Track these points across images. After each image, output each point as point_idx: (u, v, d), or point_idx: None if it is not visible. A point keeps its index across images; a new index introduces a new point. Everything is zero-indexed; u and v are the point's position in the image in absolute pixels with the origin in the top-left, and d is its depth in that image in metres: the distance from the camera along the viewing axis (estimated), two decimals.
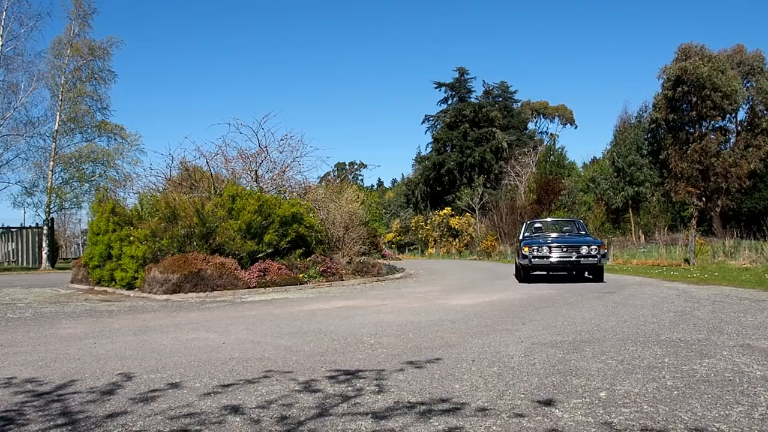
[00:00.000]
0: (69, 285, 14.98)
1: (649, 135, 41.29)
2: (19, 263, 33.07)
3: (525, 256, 12.82)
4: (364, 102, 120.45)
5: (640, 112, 42.82)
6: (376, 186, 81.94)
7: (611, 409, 3.08)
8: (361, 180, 73.65)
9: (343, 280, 13.92)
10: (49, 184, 28.36)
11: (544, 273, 14.50)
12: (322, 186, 19.07)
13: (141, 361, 4.68)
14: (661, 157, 39.80)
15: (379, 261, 19.63)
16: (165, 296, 10.90)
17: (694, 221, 37.36)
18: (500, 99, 55.95)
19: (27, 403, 3.43)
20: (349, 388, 3.64)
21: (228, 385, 3.77)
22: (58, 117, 28.46)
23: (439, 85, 55.15)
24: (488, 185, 46.56)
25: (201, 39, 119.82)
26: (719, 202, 38.34)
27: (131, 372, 4.25)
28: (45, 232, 29.18)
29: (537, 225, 15.20)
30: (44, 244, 29.06)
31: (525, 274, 13.27)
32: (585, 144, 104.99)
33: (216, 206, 13.03)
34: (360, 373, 4.05)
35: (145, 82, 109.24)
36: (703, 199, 38.89)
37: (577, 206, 36.11)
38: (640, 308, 7.62)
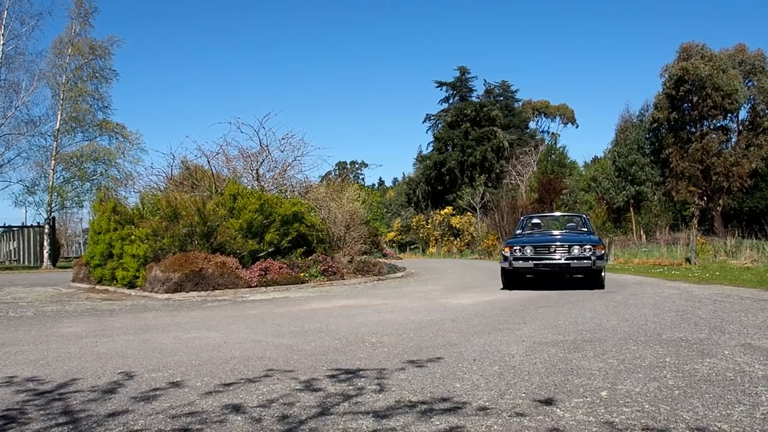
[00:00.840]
0: (70, 284, 14.99)
1: (650, 134, 41.23)
2: (21, 262, 33.11)
3: (505, 258, 10.78)
4: (366, 101, 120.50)
5: (642, 112, 42.77)
6: (377, 185, 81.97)
7: (612, 409, 3.08)
8: (362, 179, 73.71)
9: (344, 279, 13.92)
10: (51, 183, 28.38)
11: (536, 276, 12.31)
12: (323, 185, 19.07)
13: (142, 360, 4.68)
14: (662, 156, 39.73)
15: (381, 260, 19.64)
16: (166, 295, 10.91)
17: (695, 221, 37.34)
18: (501, 98, 55.96)
19: (28, 402, 3.43)
20: (350, 387, 3.64)
21: (229, 384, 3.77)
22: (59, 116, 28.47)
23: (441, 84, 55.16)
24: (489, 184, 46.54)
25: (202, 38, 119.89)
26: (720, 202, 38.29)
27: (132, 371, 4.26)
28: (46, 231, 29.19)
29: (535, 221, 12.89)
30: (46, 243, 29.07)
31: (507, 279, 11.06)
32: (586, 143, 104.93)
33: (217, 205, 13.04)
34: (361, 372, 4.05)
35: (146, 80, 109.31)
36: (705, 198, 38.85)
37: (579, 205, 36.08)
38: (642, 308, 7.61)
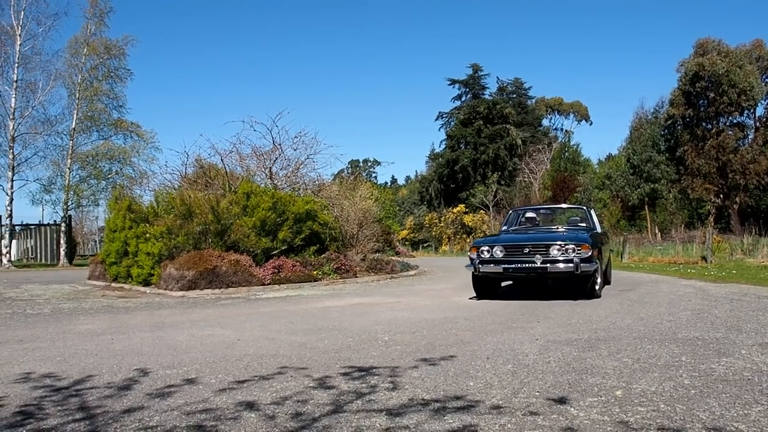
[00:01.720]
0: (86, 281, 15.14)
1: (665, 131, 40.88)
2: (38, 260, 33.50)
3: (471, 262, 8.84)
4: (378, 99, 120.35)
5: (657, 108, 42.41)
6: (389, 183, 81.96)
7: (627, 408, 3.06)
8: (375, 177, 73.78)
9: (357, 277, 13.94)
10: (67, 181, 28.66)
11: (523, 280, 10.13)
12: (335, 183, 19.09)
13: (157, 357, 4.72)
14: (677, 153, 39.37)
15: (393, 258, 19.64)
16: (181, 293, 10.98)
17: (711, 218, 36.98)
18: (514, 96, 55.68)
19: (45, 398, 3.47)
20: (363, 385, 3.64)
21: (243, 382, 3.79)
22: (75, 115, 28.74)
23: (453, 81, 54.99)
24: (502, 182, 46.35)
25: (215, 36, 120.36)
26: (737, 199, 37.87)
27: (148, 368, 4.29)
28: (63, 229, 29.49)
29: (529, 215, 10.68)
30: (62, 241, 29.38)
31: (477, 287, 9.12)
32: (600, 140, 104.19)
33: (231, 203, 13.10)
34: (374, 370, 4.06)
35: (160, 79, 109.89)
36: (721, 196, 38.45)
37: (593, 203, 35.85)
38: (657, 306, 7.55)
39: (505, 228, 10.60)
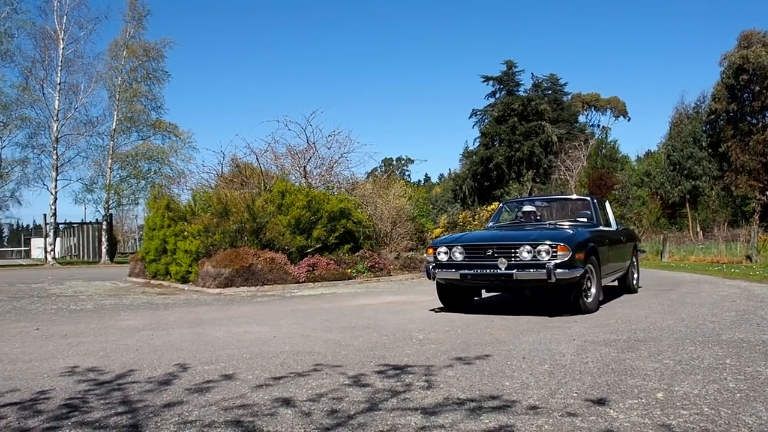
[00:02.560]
0: (127, 278, 15.49)
1: (707, 126, 39.83)
2: (80, 257, 34.42)
3: (427, 266, 7.38)
4: (412, 97, 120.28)
5: (698, 103, 41.39)
6: (423, 181, 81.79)
7: (669, 411, 2.99)
8: (408, 175, 73.59)
9: (390, 275, 13.95)
10: (108, 181, 29.37)
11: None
12: (369, 181, 19.13)
13: (195, 353, 4.80)
14: (720, 149, 38.32)
15: None
16: (217, 290, 11.15)
17: (756, 216, 35.84)
18: (549, 92, 54.96)
19: (90, 392, 3.56)
20: (398, 383, 3.64)
21: (279, 378, 3.83)
22: (115, 116, 29.42)
23: (487, 78, 54.53)
24: (537, 180, 45.83)
25: (249, 36, 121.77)
26: None
27: (186, 363, 4.37)
28: (104, 227, 30.24)
29: (527, 208, 8.61)
30: (103, 239, 30.12)
31: (443, 295, 7.60)
32: (639, 137, 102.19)
33: (266, 202, 13.24)
34: (409, 369, 4.05)
35: (196, 80, 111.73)
36: (767, 193, 37.31)
37: (631, 201, 35.17)
38: (699, 307, 7.37)
39: (491, 224, 9.00)
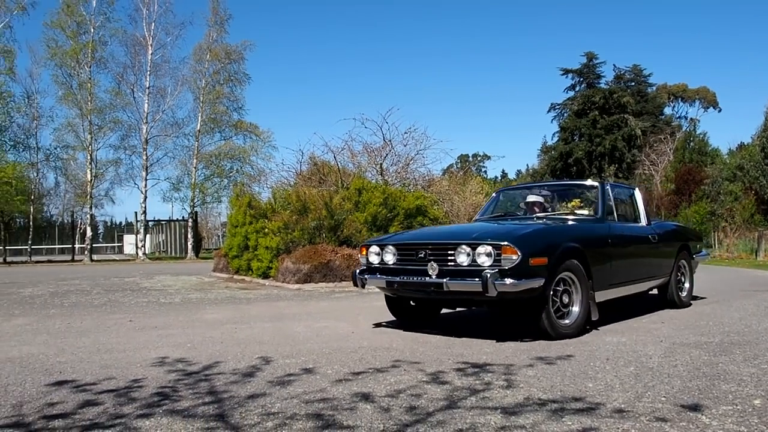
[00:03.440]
0: (211, 273, 16.09)
1: None
2: (168, 253, 36.12)
3: (354, 271, 6.02)
4: (488, 92, 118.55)
5: None
6: (500, 177, 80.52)
7: None
8: (485, 172, 72.68)
9: None
10: (193, 180, 30.66)
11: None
12: (445, 178, 19.07)
13: (277, 347, 4.93)
14: None
15: None
16: (297, 285, 11.40)
17: None
18: (633, 83, 52.89)
19: (179, 381, 3.73)
20: (477, 382, 3.61)
21: (358, 373, 3.87)
22: (199, 118, 30.66)
23: (566, 71, 53.07)
24: (620, 175, 44.21)
25: (326, 35, 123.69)
26: None
27: (269, 356, 4.49)
28: (190, 224, 31.58)
29: (532, 198, 6.91)
30: (189, 236, 31.46)
31: (392, 305, 6.17)
32: (730, 128, 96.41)
33: (343, 199, 13.43)
34: (488, 367, 4.00)
35: (275, 80, 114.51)
36: None
37: (723, 196, 33.33)
38: None
39: (478, 217, 7.26)
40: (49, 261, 29.73)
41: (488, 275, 4.72)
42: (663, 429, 2.70)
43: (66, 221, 44.99)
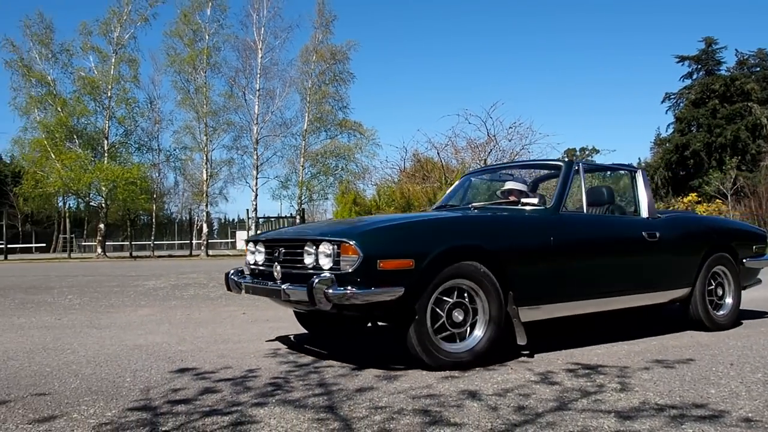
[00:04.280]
0: None
1: None
2: None
3: (227, 273, 5.11)
4: (597, 83, 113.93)
5: None
6: None
7: None
8: None
9: None
10: (300, 178, 31.73)
11: None
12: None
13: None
14: None
15: None
16: None
17: None
18: (758, 69, 48.94)
19: (290, 372, 3.88)
20: (589, 384, 3.49)
21: (464, 371, 3.86)
22: (306, 117, 31.66)
23: (682, 59, 49.95)
24: (743, 168, 41.08)
25: (429, 30, 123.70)
26: None
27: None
28: (297, 221, 32.68)
29: (510, 187, 5.45)
30: None
31: (299, 316, 5.33)
32: None
33: None
34: (600, 369, 3.86)
35: (378, 78, 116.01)
36: None
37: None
38: None
39: (439, 205, 6.02)
40: (170, 255, 31.79)
41: (315, 281, 3.67)
42: None
43: (184, 218, 47.93)
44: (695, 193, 41.01)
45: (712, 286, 5.49)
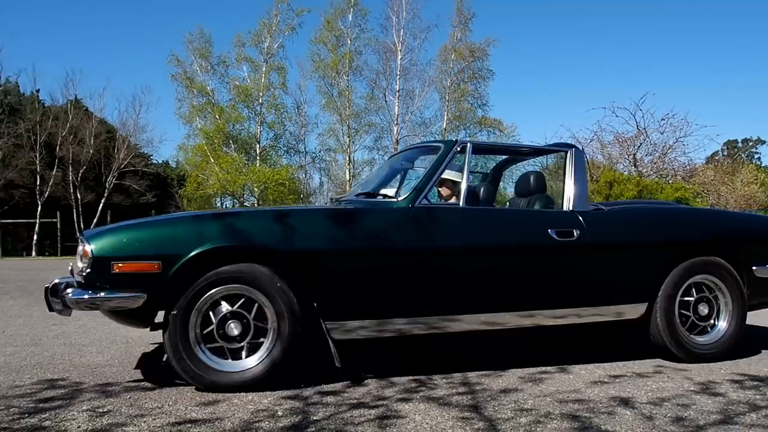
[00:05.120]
0: None
1: None
2: None
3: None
4: (762, 65, 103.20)
5: None
6: None
7: None
8: (758, 158, 63.48)
9: None
10: None
11: None
12: (710, 167, 17.16)
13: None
14: None
15: None
16: None
17: None
18: None
19: (433, 371, 3.91)
20: (758, 397, 3.19)
21: (616, 377, 3.68)
22: (445, 116, 31.79)
23: None
24: None
25: (570, 22, 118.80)
26: None
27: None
28: None
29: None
30: None
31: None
32: None
33: (592, 193, 12.86)
34: None
35: (518, 73, 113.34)
36: None
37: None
38: None
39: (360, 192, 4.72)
40: None
41: (49, 286, 3.43)
42: None
43: None
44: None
45: (691, 300, 4.12)
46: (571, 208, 4.07)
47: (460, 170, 4.10)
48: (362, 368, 3.93)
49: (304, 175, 38.85)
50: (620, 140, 15.78)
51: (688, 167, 15.90)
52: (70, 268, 3.71)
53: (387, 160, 5.58)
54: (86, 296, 3.22)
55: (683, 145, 15.96)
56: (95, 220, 33.56)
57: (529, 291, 3.86)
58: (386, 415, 2.93)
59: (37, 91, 37.56)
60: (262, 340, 3.39)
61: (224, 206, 48.09)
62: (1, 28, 54.85)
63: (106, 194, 35.79)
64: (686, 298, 4.11)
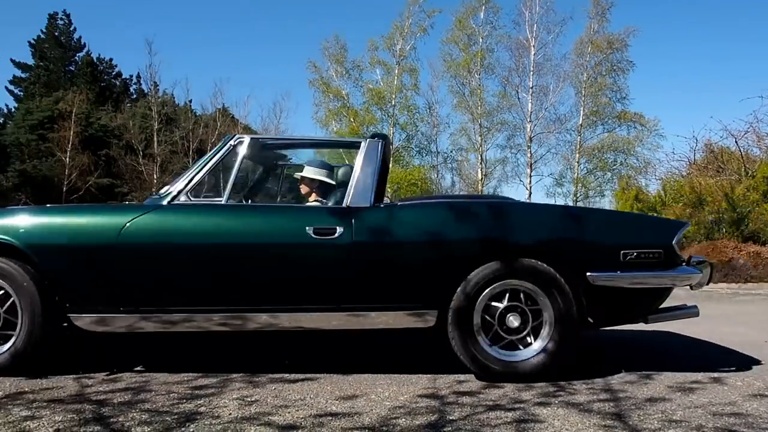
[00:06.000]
0: None
1: None
2: None
3: None
4: None
5: None
6: None
7: None
8: None
9: None
10: (576, 174, 30.72)
11: None
12: None
13: (678, 349, 4.64)
14: None
15: None
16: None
17: None
18: None
19: (572, 375, 3.82)
20: None
21: None
22: (581, 112, 30.52)
23: None
24: None
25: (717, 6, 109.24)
26: None
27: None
28: None
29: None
30: None
31: None
32: None
33: (748, 189, 11.88)
34: None
35: (661, 63, 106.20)
36: None
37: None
38: None
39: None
40: None
41: None
42: None
43: None
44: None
45: (498, 310, 3.57)
46: (348, 204, 3.73)
47: (322, 167, 4.24)
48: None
49: (435, 175, 39.11)
50: None
51: None
52: None
53: None
54: None
55: None
56: None
57: (284, 291, 3.62)
58: (524, 418, 2.92)
59: (190, 101, 40.76)
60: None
61: None
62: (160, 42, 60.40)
63: None
64: (495, 304, 3.59)
